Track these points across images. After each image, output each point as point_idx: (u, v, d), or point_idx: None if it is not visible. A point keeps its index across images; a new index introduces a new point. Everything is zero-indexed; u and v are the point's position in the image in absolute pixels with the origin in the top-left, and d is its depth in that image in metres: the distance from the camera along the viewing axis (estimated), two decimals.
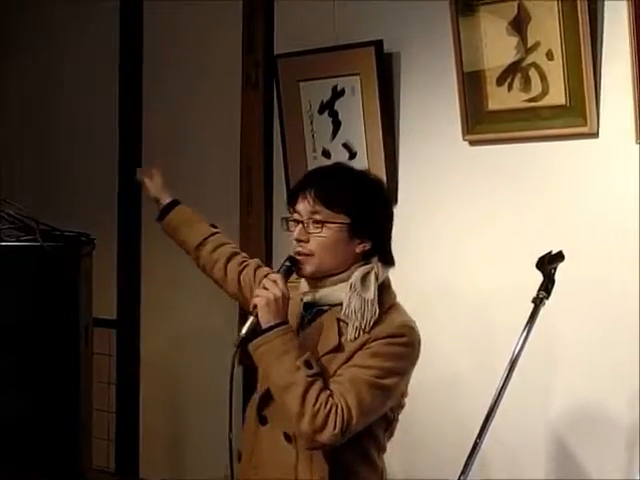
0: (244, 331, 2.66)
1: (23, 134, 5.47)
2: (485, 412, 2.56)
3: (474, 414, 2.72)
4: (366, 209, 2.73)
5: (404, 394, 2.79)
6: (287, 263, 2.73)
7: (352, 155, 3.97)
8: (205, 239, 3.24)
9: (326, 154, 4.07)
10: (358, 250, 2.73)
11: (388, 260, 2.79)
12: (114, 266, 4.99)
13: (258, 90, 4.37)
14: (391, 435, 2.84)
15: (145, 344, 4.98)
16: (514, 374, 2.57)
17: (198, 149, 4.70)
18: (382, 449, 2.83)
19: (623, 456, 3.25)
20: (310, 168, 4.06)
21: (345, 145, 4.00)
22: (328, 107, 4.05)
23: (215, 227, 3.31)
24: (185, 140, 4.76)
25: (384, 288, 2.74)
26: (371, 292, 2.68)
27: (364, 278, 2.70)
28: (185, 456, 4.82)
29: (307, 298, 2.79)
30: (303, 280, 2.80)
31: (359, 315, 2.66)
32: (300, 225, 2.73)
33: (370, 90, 3.87)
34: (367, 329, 2.65)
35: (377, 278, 2.71)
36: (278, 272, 2.73)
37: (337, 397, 2.57)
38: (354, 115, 3.95)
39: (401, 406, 2.81)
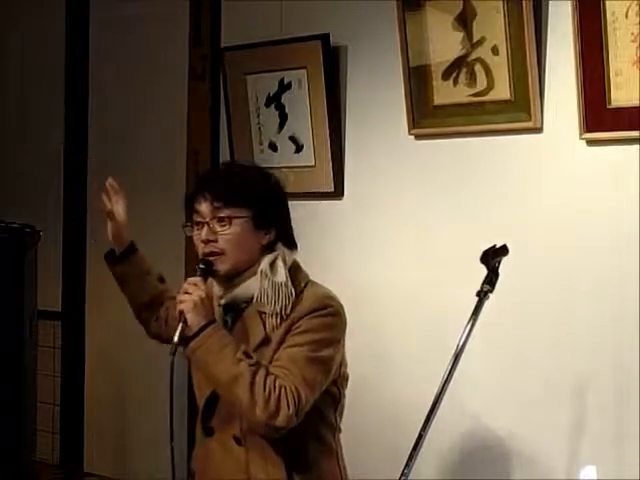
0: (176, 338, 2.64)
1: None
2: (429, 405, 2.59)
3: (418, 407, 2.74)
4: (265, 200, 2.77)
5: (343, 363, 2.81)
6: (201, 265, 2.73)
7: (299, 148, 3.98)
8: (151, 301, 3.14)
9: (273, 147, 4.07)
10: (264, 242, 2.77)
11: (292, 245, 2.82)
12: (59, 258, 4.96)
13: (205, 83, 4.36)
14: (341, 413, 2.85)
15: (90, 337, 4.95)
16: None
17: (145, 142, 4.68)
18: (336, 429, 2.84)
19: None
20: (257, 161, 4.07)
21: (292, 138, 4.00)
22: (275, 100, 4.05)
23: (163, 280, 3.21)
24: (132, 133, 4.74)
25: (295, 269, 2.78)
26: (282, 275, 2.71)
27: (272, 264, 2.73)
28: (130, 450, 4.80)
29: (224, 300, 2.79)
30: (215, 285, 2.80)
31: (274, 299, 2.69)
32: (205, 226, 2.74)
33: (317, 84, 3.88)
34: (286, 313, 2.68)
35: (285, 262, 2.75)
36: (195, 276, 2.73)
37: (283, 379, 2.60)
38: (301, 108, 3.96)
39: (345, 378, 2.83)
